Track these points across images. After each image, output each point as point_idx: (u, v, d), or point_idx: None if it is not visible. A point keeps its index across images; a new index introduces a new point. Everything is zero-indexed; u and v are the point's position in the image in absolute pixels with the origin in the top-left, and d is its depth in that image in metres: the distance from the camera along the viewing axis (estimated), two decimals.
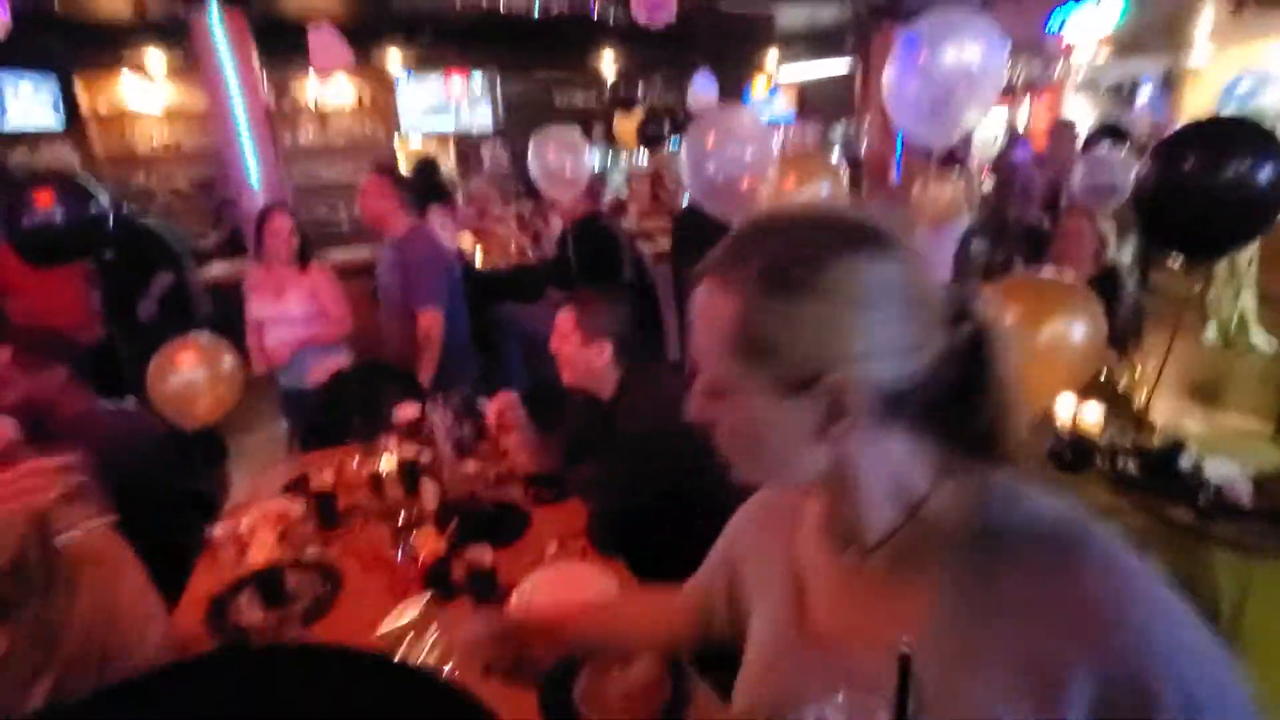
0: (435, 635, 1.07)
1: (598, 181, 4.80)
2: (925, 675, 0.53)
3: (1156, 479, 1.78)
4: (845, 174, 3.02)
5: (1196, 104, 5.57)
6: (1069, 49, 6.28)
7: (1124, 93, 6.93)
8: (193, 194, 6.11)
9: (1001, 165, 5.05)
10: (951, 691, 0.53)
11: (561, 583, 1.40)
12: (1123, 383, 2.13)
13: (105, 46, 5.80)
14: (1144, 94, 6.62)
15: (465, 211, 5.01)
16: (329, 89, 6.69)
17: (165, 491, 1.76)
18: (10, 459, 1.18)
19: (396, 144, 6.96)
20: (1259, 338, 3.97)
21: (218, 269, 4.48)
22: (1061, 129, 4.82)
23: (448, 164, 6.81)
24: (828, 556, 0.66)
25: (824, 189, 2.86)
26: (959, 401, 0.58)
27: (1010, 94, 7.43)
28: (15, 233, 2.74)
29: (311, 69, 5.37)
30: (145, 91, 6.18)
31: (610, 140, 7.40)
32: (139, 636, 1.23)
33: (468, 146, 6.94)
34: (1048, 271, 2.22)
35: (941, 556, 0.57)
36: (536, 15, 5.05)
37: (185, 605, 1.45)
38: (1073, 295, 1.83)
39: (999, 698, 0.51)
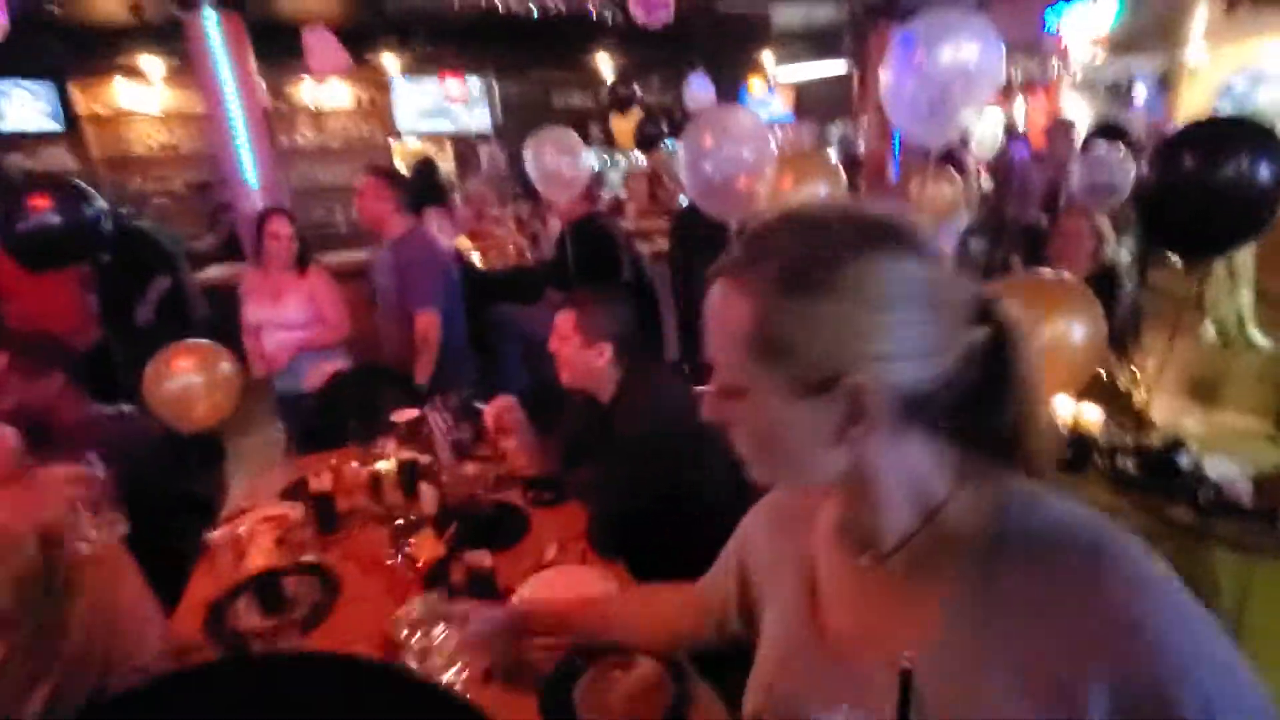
0: (444, 630, 1.07)
1: (595, 182, 4.80)
2: (939, 682, 0.53)
3: (1156, 478, 1.78)
4: (843, 174, 3.02)
5: (1193, 102, 5.58)
6: (1065, 48, 6.29)
7: (1121, 92, 6.94)
8: (189, 197, 6.09)
9: (1000, 164, 5.05)
10: (966, 699, 0.53)
11: (561, 585, 1.39)
12: (1122, 382, 2.13)
13: (102, 49, 5.79)
14: (1140, 93, 6.63)
15: (463, 213, 5.00)
16: (326, 91, 6.68)
17: (163, 496, 1.76)
18: (12, 467, 1.18)
19: (394, 146, 6.95)
20: (1257, 336, 3.98)
21: (214, 272, 4.46)
22: (1059, 128, 4.82)
23: (445, 165, 6.80)
24: (842, 558, 0.65)
25: (822, 189, 2.86)
26: (980, 404, 0.57)
27: (1007, 93, 7.44)
28: (11, 237, 2.74)
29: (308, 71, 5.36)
30: (142, 94, 6.17)
31: (608, 141, 7.39)
32: (138, 641, 1.23)
33: (465, 148, 6.93)
34: (1046, 270, 2.22)
35: (959, 562, 0.56)
36: (535, 15, 5.04)
37: (183, 610, 1.44)
38: (1073, 295, 1.83)
39: (1014, 706, 0.50)
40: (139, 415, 2.13)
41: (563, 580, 1.42)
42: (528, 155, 3.33)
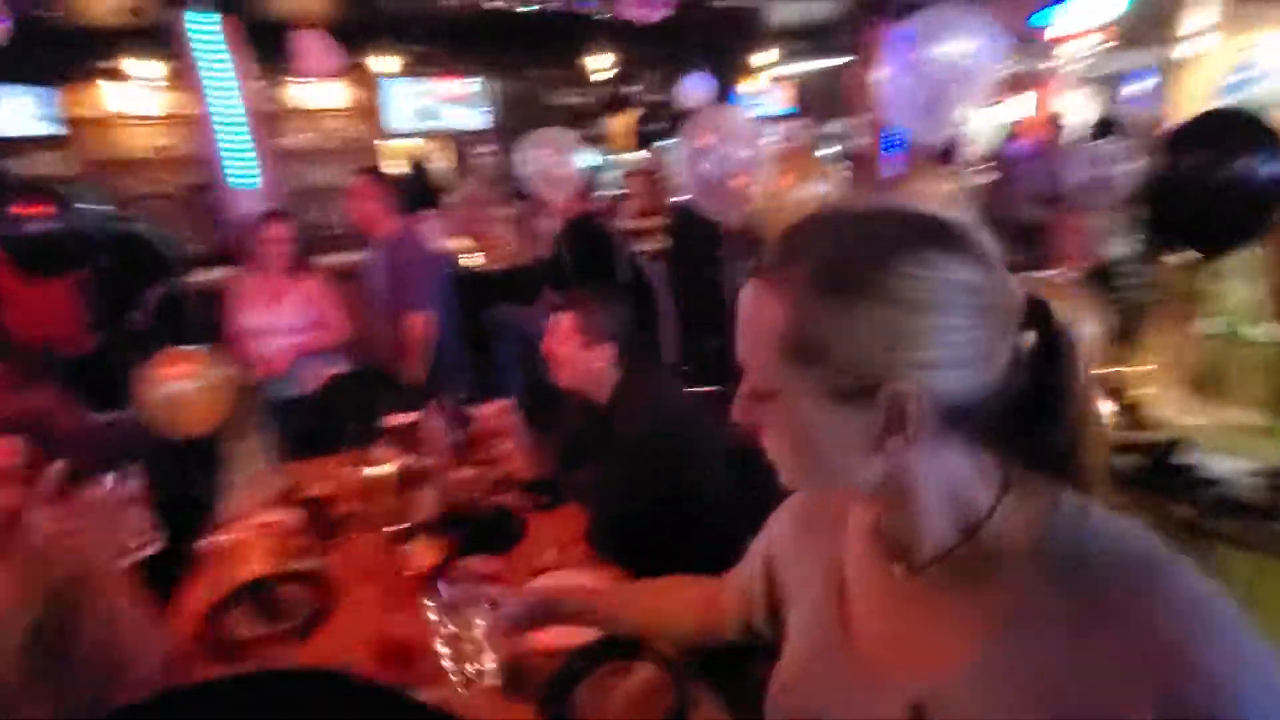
0: (477, 616, 1.05)
1: (591, 181, 4.78)
2: (969, 703, 0.52)
3: (1158, 476, 1.77)
4: (841, 170, 3.01)
5: (1193, 96, 5.56)
6: (1062, 42, 6.27)
7: (1119, 85, 6.92)
8: (183, 199, 6.08)
9: (997, 160, 5.05)
10: None
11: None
12: (1122, 379, 2.12)
13: (95, 52, 5.77)
14: (1139, 86, 6.62)
15: (459, 213, 4.99)
16: (319, 92, 6.65)
17: (160, 502, 1.74)
18: (17, 477, 1.18)
19: (388, 146, 6.93)
20: (1260, 329, 3.96)
21: (209, 275, 4.44)
22: (1056, 123, 4.82)
23: (440, 165, 6.78)
24: (874, 565, 0.63)
25: (820, 186, 2.84)
26: (1028, 413, 0.54)
27: (1005, 88, 7.42)
28: (8, 244, 2.72)
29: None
30: (135, 97, 6.15)
31: (604, 139, 7.38)
32: (135, 654, 1.22)
33: (460, 147, 6.91)
34: (1045, 268, 2.21)
35: (999, 579, 0.53)
36: (529, 8, 5.02)
37: (178, 618, 1.43)
38: (1073, 292, 1.82)
39: None
40: (135, 422, 2.12)
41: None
42: (523, 155, 3.32)
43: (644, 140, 6.28)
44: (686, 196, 2.86)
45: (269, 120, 5.79)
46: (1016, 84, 7.23)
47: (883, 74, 2.34)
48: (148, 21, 5.04)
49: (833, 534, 0.70)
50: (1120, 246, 3.24)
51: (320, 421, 2.38)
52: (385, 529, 1.63)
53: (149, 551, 1.30)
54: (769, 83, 8.23)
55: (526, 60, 7.10)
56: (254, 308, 2.75)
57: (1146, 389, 2.09)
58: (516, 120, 6.42)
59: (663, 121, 6.77)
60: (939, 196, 3.55)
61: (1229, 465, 1.69)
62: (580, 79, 7.56)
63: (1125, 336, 2.37)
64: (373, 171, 2.98)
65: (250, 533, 1.64)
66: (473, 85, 7.11)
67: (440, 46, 6.65)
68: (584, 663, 1.16)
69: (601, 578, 1.42)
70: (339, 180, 6.19)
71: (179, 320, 3.62)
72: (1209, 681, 0.45)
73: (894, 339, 0.49)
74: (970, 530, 0.55)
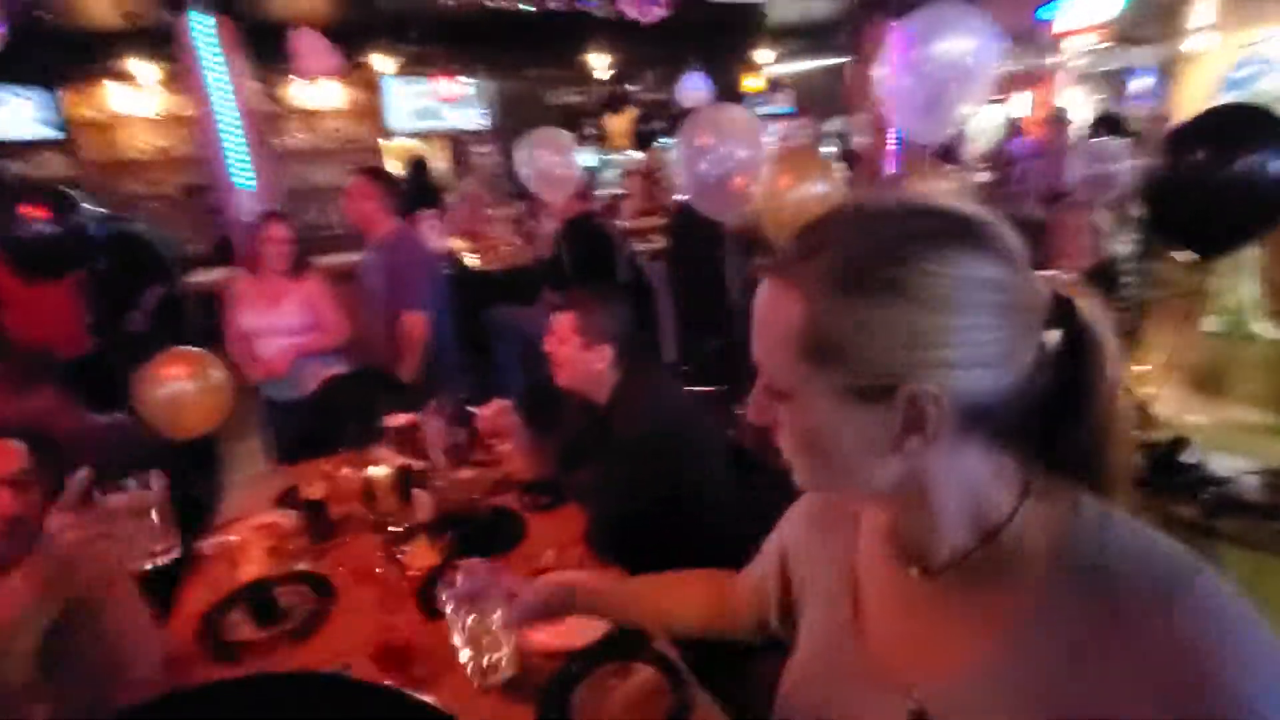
0: (494, 606, 1.05)
1: (590, 181, 4.78)
2: (978, 709, 0.51)
3: (1160, 475, 1.76)
4: (841, 169, 3.00)
5: (1196, 91, 5.54)
6: (1060, 38, 6.25)
7: (1121, 82, 6.90)
8: (182, 200, 6.08)
9: (997, 158, 5.04)
10: None
11: None
12: (1124, 377, 2.12)
13: (94, 55, 5.77)
14: (1141, 82, 6.60)
15: (458, 213, 4.99)
16: (318, 92, 6.65)
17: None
18: (22, 481, 1.18)
19: (387, 146, 6.92)
20: (1262, 326, 3.95)
21: (207, 276, 4.44)
22: (1057, 120, 4.81)
23: (439, 165, 6.78)
24: (889, 566, 0.62)
25: (819, 186, 2.84)
26: (1053, 414, 0.53)
27: (1004, 86, 7.41)
28: (7, 245, 2.72)
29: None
30: (134, 99, 6.16)
31: (603, 139, 7.38)
32: (134, 655, 1.21)
33: (459, 147, 6.91)
34: (1047, 267, 2.20)
35: (1016, 585, 0.52)
36: (529, 7, 5.01)
37: (176, 621, 1.42)
38: (1074, 290, 1.80)
39: None
40: (134, 423, 2.11)
41: None
42: (521, 155, 3.32)
43: (643, 140, 6.27)
44: (686, 196, 2.85)
45: (269, 120, 5.79)
46: (1019, 81, 7.22)
47: (883, 72, 2.33)
48: (147, 23, 5.04)
49: (847, 533, 0.70)
50: (1122, 244, 3.23)
51: (319, 422, 2.38)
52: (384, 530, 1.62)
53: (169, 560, 1.30)
54: (768, 81, 8.23)
55: (526, 60, 7.10)
56: (253, 309, 2.74)
57: (1148, 387, 2.08)
58: (516, 120, 6.41)
59: (662, 121, 6.77)
60: (941, 194, 3.54)
61: (1230, 464, 1.69)
62: (579, 78, 7.56)
63: (1127, 335, 2.37)
64: (370, 171, 2.97)
65: (249, 534, 1.64)
66: (472, 85, 7.11)
67: (440, 46, 6.64)
68: (583, 664, 1.15)
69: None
70: (338, 180, 6.20)
71: (178, 321, 3.62)
72: (1229, 699, 0.43)
73: (914, 338, 0.48)
74: (988, 534, 0.53)
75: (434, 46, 6.63)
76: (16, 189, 4.58)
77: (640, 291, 3.74)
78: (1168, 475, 1.75)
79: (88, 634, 1.17)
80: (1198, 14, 5.28)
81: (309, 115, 6.71)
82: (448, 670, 1.18)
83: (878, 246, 0.49)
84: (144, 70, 5.96)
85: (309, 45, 4.72)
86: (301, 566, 1.56)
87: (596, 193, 5.35)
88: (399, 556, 1.51)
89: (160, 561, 1.25)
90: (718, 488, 1.61)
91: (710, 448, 1.66)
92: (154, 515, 1.23)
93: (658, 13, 4.75)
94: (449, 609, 1.04)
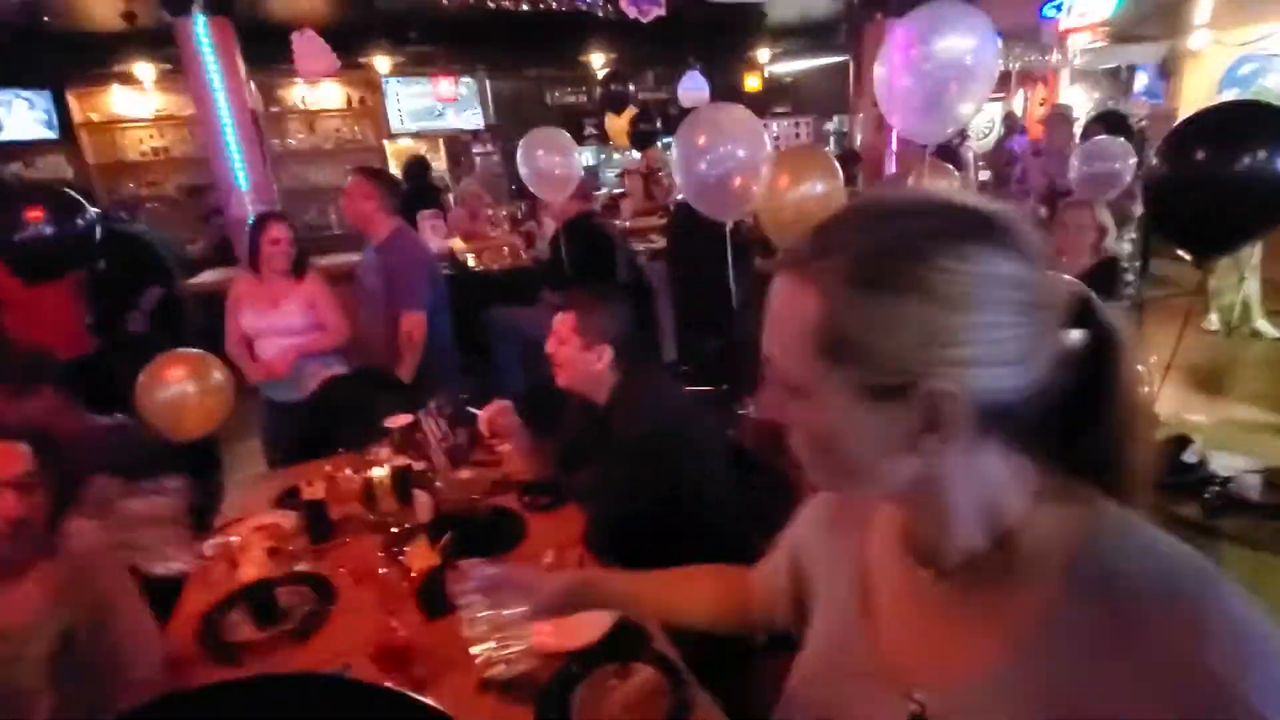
0: (512, 597, 1.04)
1: (590, 180, 4.77)
2: (972, 711, 0.51)
3: (1162, 475, 1.76)
4: (840, 169, 2.99)
5: (1196, 88, 5.53)
6: (1065, 35, 6.24)
7: (1122, 78, 6.89)
8: (182, 200, 6.09)
9: (998, 156, 5.03)
10: None
11: None
12: None
13: (95, 56, 5.78)
14: (1142, 79, 6.59)
15: (457, 213, 4.99)
16: (317, 92, 6.66)
17: None
18: (27, 483, 1.18)
19: (386, 146, 6.93)
20: (1264, 326, 3.95)
21: (207, 277, 4.44)
22: (1058, 117, 4.79)
23: (439, 165, 6.78)
24: (901, 566, 0.61)
25: (819, 185, 2.83)
26: (1072, 416, 0.52)
27: (1005, 84, 7.40)
28: (7, 248, 2.72)
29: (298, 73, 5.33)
30: (135, 100, 6.17)
31: (602, 138, 7.37)
32: (135, 655, 1.22)
33: (459, 147, 6.91)
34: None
35: (1027, 588, 0.51)
36: (526, 7, 5.00)
37: (177, 622, 1.42)
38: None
39: None
40: (135, 424, 2.11)
41: None
42: (520, 155, 3.31)
43: (643, 139, 6.26)
44: (684, 197, 2.85)
45: (268, 121, 5.79)
46: (1020, 77, 7.21)
47: (882, 72, 2.32)
48: (147, 25, 5.05)
49: (859, 533, 0.69)
50: (1123, 244, 3.23)
51: (319, 423, 2.37)
52: (384, 531, 1.62)
53: (188, 567, 1.30)
54: (768, 80, 8.22)
55: (525, 59, 7.10)
56: (253, 310, 2.74)
57: (1150, 386, 2.08)
58: (516, 120, 6.42)
59: (661, 120, 6.75)
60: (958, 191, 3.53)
61: (1231, 463, 1.68)
62: (579, 78, 7.55)
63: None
64: (369, 171, 2.96)
65: (249, 535, 1.64)
66: (471, 85, 7.11)
67: (440, 46, 6.65)
68: (583, 664, 1.15)
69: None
70: (338, 180, 6.20)
71: (178, 322, 3.62)
72: (1245, 712, 0.42)
73: (932, 335, 0.47)
74: (1003, 536, 0.53)
75: (434, 46, 6.63)
76: (17, 189, 4.58)
77: (640, 291, 3.74)
78: (1170, 474, 1.75)
79: (96, 638, 1.17)
80: (1197, 11, 5.27)
81: (309, 115, 6.72)
82: (448, 670, 1.18)
83: (896, 243, 0.48)
84: (145, 72, 5.97)
85: (306, 46, 4.72)
86: (301, 567, 1.56)
87: (596, 193, 5.35)
88: (399, 557, 1.51)
89: (175, 570, 1.24)
90: (717, 488, 1.61)
91: (710, 448, 1.66)
92: (174, 523, 1.23)
93: (656, 11, 4.75)
94: (464, 600, 1.02)
